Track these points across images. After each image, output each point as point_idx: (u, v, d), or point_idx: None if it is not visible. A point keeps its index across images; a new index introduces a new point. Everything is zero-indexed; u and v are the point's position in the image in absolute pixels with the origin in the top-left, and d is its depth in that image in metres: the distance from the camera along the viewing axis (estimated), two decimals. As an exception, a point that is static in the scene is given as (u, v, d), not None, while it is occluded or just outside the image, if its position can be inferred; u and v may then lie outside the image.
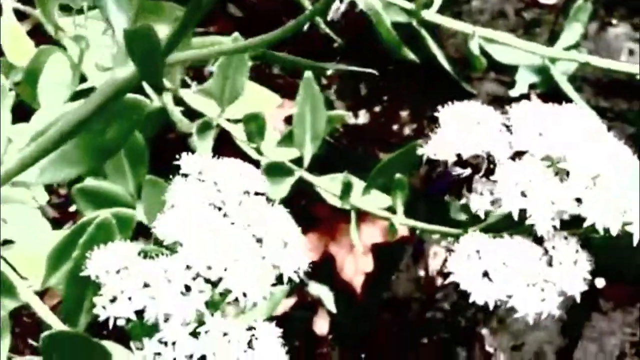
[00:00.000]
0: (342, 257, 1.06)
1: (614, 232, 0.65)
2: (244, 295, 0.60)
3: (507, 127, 0.72)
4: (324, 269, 1.05)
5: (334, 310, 0.99)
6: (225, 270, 0.60)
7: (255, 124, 1.03)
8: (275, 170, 1.00)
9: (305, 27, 1.25)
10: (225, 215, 0.65)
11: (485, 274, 0.65)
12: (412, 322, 1.01)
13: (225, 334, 0.60)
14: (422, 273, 1.04)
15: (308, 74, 1.00)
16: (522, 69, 1.12)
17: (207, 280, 0.61)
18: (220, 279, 0.60)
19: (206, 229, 0.62)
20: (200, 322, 0.61)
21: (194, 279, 0.61)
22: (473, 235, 0.69)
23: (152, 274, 0.61)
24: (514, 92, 1.13)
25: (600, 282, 0.99)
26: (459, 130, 0.70)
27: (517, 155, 0.70)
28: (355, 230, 0.99)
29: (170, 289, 0.60)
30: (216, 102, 1.06)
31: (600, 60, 1.10)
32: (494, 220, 0.74)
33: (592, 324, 0.97)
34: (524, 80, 1.11)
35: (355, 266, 1.06)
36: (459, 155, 0.69)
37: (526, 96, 1.11)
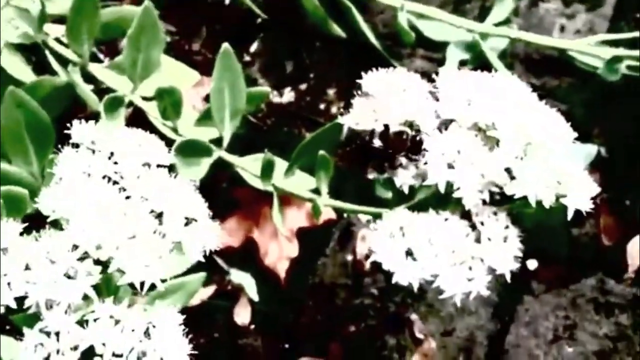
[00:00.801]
0: (265, 242, 1.00)
1: (546, 204, 0.60)
2: (140, 277, 0.53)
3: (434, 95, 0.67)
4: (246, 255, 0.97)
5: (256, 298, 0.94)
6: (117, 249, 0.53)
7: (170, 100, 0.95)
8: (191, 150, 0.93)
9: (227, 1, 1.20)
10: (121, 189, 0.58)
11: (409, 253, 0.60)
12: (339, 309, 0.95)
13: (117, 322, 0.53)
14: (349, 258, 0.99)
15: (226, 45, 0.93)
16: (452, 45, 1.08)
17: (97, 262, 0.54)
18: (111, 259, 0.53)
19: (96, 204, 0.55)
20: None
21: (82, 259, 0.53)
22: (397, 211, 0.63)
23: (34, 255, 0.53)
24: (443, 70, 1.08)
25: (532, 264, 0.95)
26: (383, 97, 0.64)
27: (445, 124, 0.64)
28: (279, 214, 0.92)
29: (53, 272, 0.53)
30: (128, 77, 0.98)
31: (532, 35, 1.07)
32: (422, 197, 0.69)
33: (525, 307, 0.93)
34: (454, 57, 1.07)
35: (279, 252, 1.00)
36: (386, 126, 0.63)
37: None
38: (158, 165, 0.61)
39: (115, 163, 0.59)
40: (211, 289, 0.96)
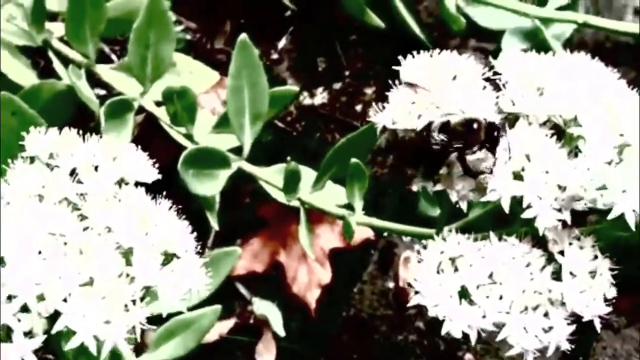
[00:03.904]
0: (293, 266, 0.88)
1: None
2: (95, 337, 0.39)
3: (492, 83, 0.51)
4: (272, 281, 0.88)
5: (282, 333, 0.85)
6: (66, 300, 0.39)
7: (182, 103, 0.82)
8: (206, 160, 0.79)
9: None
10: (81, 217, 0.43)
11: (464, 294, 0.44)
12: (379, 346, 0.84)
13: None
14: (390, 285, 0.86)
15: (243, 35, 0.79)
16: (508, 33, 0.97)
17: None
18: (57, 314, 0.39)
19: (44, 239, 0.40)
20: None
21: (20, 314, 0.39)
22: (447, 236, 0.47)
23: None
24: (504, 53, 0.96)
25: (609, 293, 0.79)
26: (428, 88, 0.49)
27: (508, 120, 0.49)
28: (306, 234, 0.79)
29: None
30: (136, 79, 0.85)
31: (602, 20, 0.95)
32: (478, 214, 0.53)
33: (602, 345, 0.81)
34: (511, 46, 0.98)
35: (310, 277, 0.87)
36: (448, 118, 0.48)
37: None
38: (137, 184, 0.46)
39: (80, 182, 0.45)
40: (231, 322, 0.85)
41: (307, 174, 0.82)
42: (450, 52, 0.54)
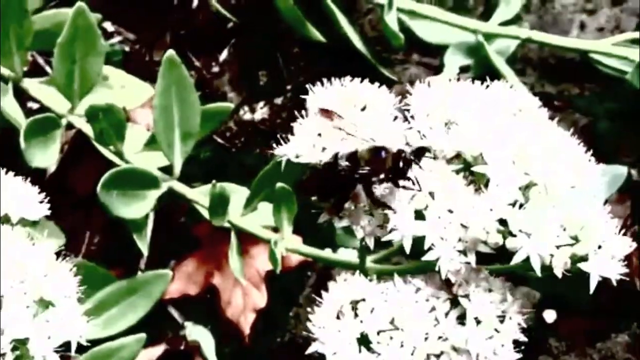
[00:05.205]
0: (228, 289, 0.84)
1: (558, 271, 0.41)
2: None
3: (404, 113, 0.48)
4: (206, 305, 0.83)
5: None
6: None
7: (109, 120, 0.78)
8: (132, 181, 0.76)
9: (194, 3, 1.05)
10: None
11: (364, 340, 0.41)
12: None
13: None
14: None
15: (171, 52, 0.76)
16: (451, 49, 0.94)
17: None
18: None
19: None
20: None
21: None
22: (351, 279, 0.44)
23: None
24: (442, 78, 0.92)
25: (549, 316, 0.76)
26: (334, 120, 0.46)
27: (417, 154, 0.46)
28: (237, 258, 0.76)
29: None
30: (63, 94, 0.82)
31: (547, 36, 0.94)
32: (387, 253, 0.50)
33: None
34: (453, 62, 0.97)
35: (245, 301, 0.84)
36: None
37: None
38: (19, 222, 0.43)
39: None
40: (160, 349, 0.81)
41: (242, 194, 0.78)
42: (359, 80, 0.51)
